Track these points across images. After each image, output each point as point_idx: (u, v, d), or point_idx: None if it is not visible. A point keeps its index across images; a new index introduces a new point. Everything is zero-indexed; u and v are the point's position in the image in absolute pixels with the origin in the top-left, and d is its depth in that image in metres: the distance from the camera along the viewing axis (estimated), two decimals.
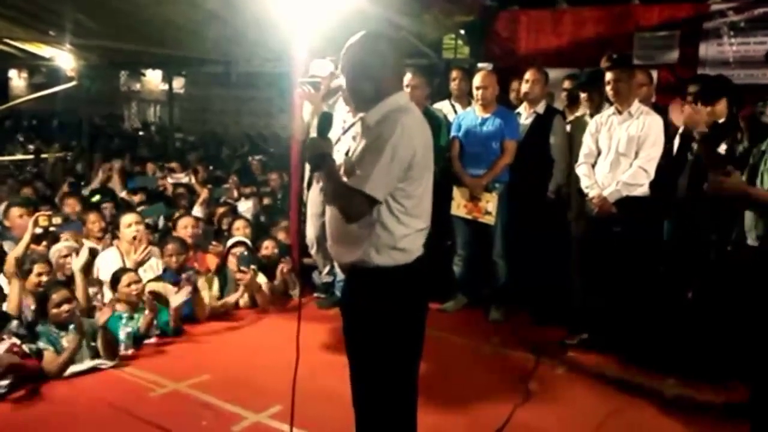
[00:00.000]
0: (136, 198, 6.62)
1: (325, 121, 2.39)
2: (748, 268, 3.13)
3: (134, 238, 4.71)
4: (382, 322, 2.28)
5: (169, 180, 7.35)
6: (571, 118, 5.01)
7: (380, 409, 2.35)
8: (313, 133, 2.42)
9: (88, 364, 3.81)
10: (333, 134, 2.45)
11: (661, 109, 4.50)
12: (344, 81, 2.38)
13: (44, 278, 4.13)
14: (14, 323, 3.74)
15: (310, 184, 2.51)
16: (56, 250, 4.46)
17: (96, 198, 6.27)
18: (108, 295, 4.42)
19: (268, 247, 5.43)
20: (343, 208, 2.24)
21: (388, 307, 2.28)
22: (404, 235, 2.25)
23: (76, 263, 4.29)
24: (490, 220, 4.76)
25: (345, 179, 2.25)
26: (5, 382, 3.43)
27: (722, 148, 3.85)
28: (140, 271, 4.58)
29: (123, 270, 4.41)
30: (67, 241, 4.59)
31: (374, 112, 2.28)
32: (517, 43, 6.49)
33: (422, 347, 2.43)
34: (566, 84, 5.27)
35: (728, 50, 5.46)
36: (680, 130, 4.18)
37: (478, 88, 4.79)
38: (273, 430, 3.20)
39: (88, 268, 4.38)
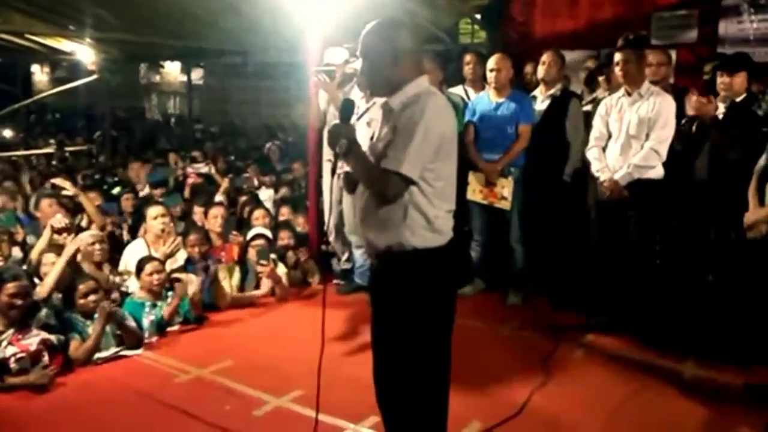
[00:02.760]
0: (157, 192, 6.71)
1: (348, 107, 2.41)
2: (764, 247, 3.12)
3: (162, 230, 4.79)
4: (417, 305, 2.30)
5: (189, 170, 7.44)
6: (588, 99, 4.97)
7: (415, 395, 2.37)
8: (336, 120, 2.44)
9: (113, 350, 3.91)
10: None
11: (679, 90, 4.45)
12: (360, 67, 2.39)
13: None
14: (44, 312, 3.83)
15: (334, 171, 2.51)
16: (82, 240, 4.42)
17: (117, 190, 6.37)
18: (134, 284, 4.51)
19: (284, 238, 5.49)
20: (380, 190, 2.26)
21: (425, 290, 2.30)
22: (437, 216, 2.28)
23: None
24: (505, 205, 4.75)
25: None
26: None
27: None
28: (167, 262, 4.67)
29: (147, 258, 4.49)
30: (91, 230, 4.66)
31: (398, 97, 2.30)
32: (533, 26, 6.44)
33: (451, 331, 2.45)
34: (588, 63, 5.22)
35: (748, 28, 5.36)
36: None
37: (491, 71, 4.77)
38: (294, 414, 3.25)
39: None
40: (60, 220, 4.34)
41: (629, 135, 4.06)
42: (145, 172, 7.48)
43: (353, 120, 2.44)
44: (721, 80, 3.97)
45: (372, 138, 2.40)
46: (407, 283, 2.32)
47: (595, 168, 4.18)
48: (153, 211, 4.94)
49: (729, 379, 3.61)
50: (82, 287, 3.92)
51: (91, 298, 3.89)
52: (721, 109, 3.98)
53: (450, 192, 2.35)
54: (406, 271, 2.32)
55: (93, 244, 4.45)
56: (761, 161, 3.28)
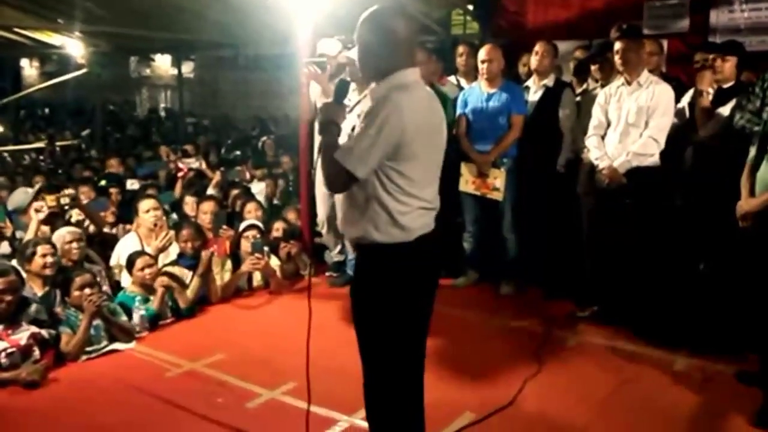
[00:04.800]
0: (146, 185, 6.66)
1: (343, 88, 2.39)
2: (756, 237, 3.12)
3: (155, 225, 4.76)
4: (381, 299, 2.29)
5: (180, 165, 7.40)
6: (579, 90, 4.97)
7: (380, 384, 2.38)
8: (329, 99, 2.42)
9: (104, 345, 3.89)
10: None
11: (671, 80, 4.45)
12: (356, 57, 2.37)
13: (49, 259, 4.01)
14: (33, 307, 3.80)
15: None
16: (60, 236, 4.37)
17: (102, 183, 6.33)
18: (127, 278, 4.48)
19: (279, 229, 5.48)
20: (327, 179, 2.26)
21: (386, 284, 2.28)
22: (402, 212, 2.23)
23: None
24: (498, 196, 4.75)
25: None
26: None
27: (726, 110, 3.82)
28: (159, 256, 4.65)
29: (138, 253, 4.47)
30: (71, 227, 4.60)
31: (378, 88, 2.28)
32: (526, 16, 6.42)
33: (427, 326, 2.44)
34: (578, 53, 5.21)
35: (739, 17, 5.36)
36: (688, 100, 4.16)
37: (483, 62, 4.76)
38: (287, 406, 3.25)
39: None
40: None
41: (628, 123, 4.06)
42: (123, 168, 7.43)
43: (348, 112, 2.42)
44: (712, 62, 3.99)
45: (353, 129, 2.35)
46: (371, 277, 2.31)
47: (594, 156, 4.18)
48: (145, 204, 4.89)
49: (720, 368, 3.63)
50: (78, 280, 3.89)
51: (87, 291, 3.85)
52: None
53: (422, 189, 2.27)
54: (371, 265, 2.32)
55: (71, 242, 4.34)
56: (751, 152, 3.28)
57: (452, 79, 5.43)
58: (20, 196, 5.55)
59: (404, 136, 2.16)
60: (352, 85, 4.35)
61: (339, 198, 2.39)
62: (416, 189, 2.25)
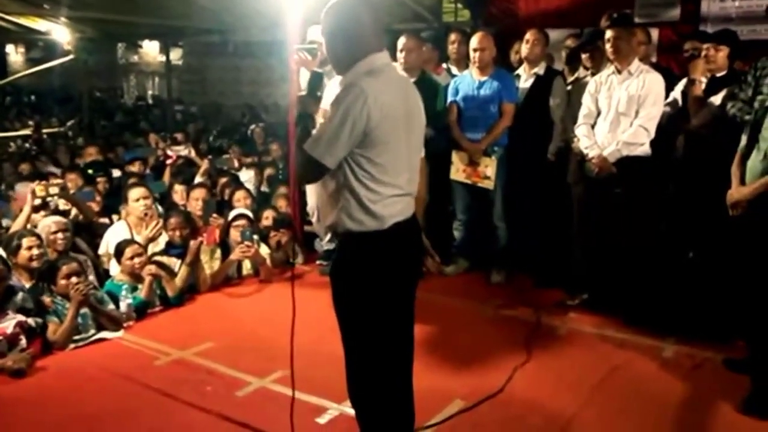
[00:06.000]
0: (134, 168, 6.59)
1: (316, 80, 2.38)
2: (746, 226, 3.13)
3: (145, 214, 4.72)
4: (357, 287, 2.29)
5: (169, 152, 7.33)
6: (571, 79, 4.96)
7: (360, 372, 2.39)
8: (303, 92, 2.41)
9: (92, 333, 3.86)
10: (326, 101, 2.44)
11: (661, 69, 4.45)
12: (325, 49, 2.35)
13: (35, 251, 3.98)
14: (20, 296, 3.76)
15: None
16: (45, 226, 4.31)
17: (90, 171, 6.26)
18: (115, 267, 4.44)
19: (268, 218, 5.45)
20: (298, 170, 2.31)
21: (362, 272, 2.28)
22: (373, 200, 2.22)
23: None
24: (489, 184, 4.75)
25: None
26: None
27: (717, 99, 3.82)
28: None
29: (127, 242, 4.42)
30: (56, 216, 4.54)
31: (347, 76, 2.26)
32: (517, 4, 6.38)
33: (409, 314, 2.44)
34: (568, 42, 5.19)
35: (731, 6, 5.35)
36: (681, 89, 4.16)
37: (475, 50, 4.73)
38: (277, 394, 3.24)
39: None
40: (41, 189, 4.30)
41: (618, 112, 4.05)
42: (103, 156, 7.31)
43: (330, 102, 2.39)
44: (705, 52, 3.98)
45: None
46: (348, 266, 2.31)
47: (583, 145, 4.17)
48: (135, 193, 4.85)
49: (709, 354, 3.65)
50: (64, 268, 3.85)
51: (73, 280, 3.81)
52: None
53: (395, 176, 2.25)
54: (345, 253, 2.32)
55: (56, 232, 4.29)
56: (743, 140, 3.29)
57: (443, 66, 5.39)
58: (25, 189, 5.46)
59: (370, 123, 2.13)
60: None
61: (313, 187, 2.40)
62: (388, 176, 2.23)
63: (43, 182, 4.51)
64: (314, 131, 2.24)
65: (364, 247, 2.27)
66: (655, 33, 5.28)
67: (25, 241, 3.99)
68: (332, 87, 4.23)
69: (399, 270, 2.35)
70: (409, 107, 2.31)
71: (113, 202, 5.41)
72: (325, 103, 2.41)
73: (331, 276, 2.39)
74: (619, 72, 4.08)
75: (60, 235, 4.29)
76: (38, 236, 4.11)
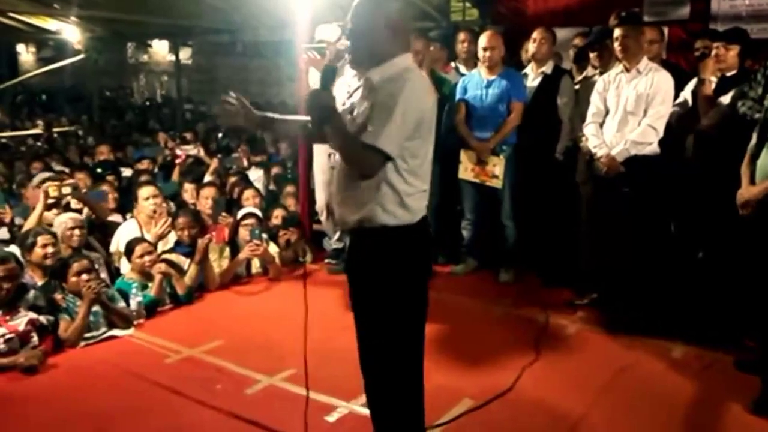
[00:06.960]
0: (143, 165, 6.63)
1: (329, 74, 2.38)
2: (756, 225, 3.12)
3: (155, 212, 4.75)
4: (386, 282, 2.28)
5: (178, 152, 7.36)
6: (579, 78, 4.95)
7: (385, 371, 2.36)
8: (316, 86, 2.39)
9: (103, 331, 3.89)
10: (337, 97, 2.42)
11: (671, 65, 4.43)
12: (350, 41, 2.36)
13: (50, 249, 4.01)
14: (32, 293, 3.79)
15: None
16: (61, 222, 4.36)
17: (99, 170, 6.29)
18: (126, 265, 4.47)
19: (278, 216, 5.47)
20: (358, 164, 2.24)
21: (392, 267, 2.28)
22: (409, 194, 2.25)
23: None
24: (497, 183, 4.74)
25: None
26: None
27: (727, 99, 3.80)
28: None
29: (137, 240, 4.46)
30: (72, 213, 4.58)
31: (379, 72, 2.26)
32: (526, 2, 6.37)
33: (427, 309, 2.43)
34: (577, 41, 5.18)
35: (741, 4, 5.32)
36: (691, 89, 4.14)
37: (484, 50, 4.73)
38: (286, 392, 3.26)
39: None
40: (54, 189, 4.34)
41: (627, 111, 4.03)
42: (114, 156, 7.35)
43: (344, 99, 2.39)
44: (716, 51, 3.96)
45: (351, 112, 2.33)
46: (376, 261, 2.30)
47: (592, 144, 4.15)
48: (144, 191, 4.88)
49: (719, 355, 3.64)
50: (75, 266, 3.88)
51: (84, 277, 3.84)
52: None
53: (425, 171, 2.32)
54: (374, 248, 2.30)
55: (72, 228, 4.33)
56: (752, 139, 3.27)
57: (452, 65, 5.39)
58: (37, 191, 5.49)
59: (423, 116, 2.22)
60: (352, 72, 4.37)
61: (336, 184, 2.37)
62: (422, 170, 2.29)
63: (56, 182, 4.55)
64: (368, 125, 2.19)
65: (396, 242, 2.28)
66: (665, 31, 5.26)
67: (40, 239, 4.03)
68: (343, 82, 4.27)
69: (424, 264, 2.39)
70: (435, 108, 2.36)
71: (123, 201, 5.44)
72: (338, 98, 2.39)
73: (352, 272, 2.38)
74: (628, 71, 4.06)
75: (76, 231, 4.34)
76: (53, 234, 4.16)
